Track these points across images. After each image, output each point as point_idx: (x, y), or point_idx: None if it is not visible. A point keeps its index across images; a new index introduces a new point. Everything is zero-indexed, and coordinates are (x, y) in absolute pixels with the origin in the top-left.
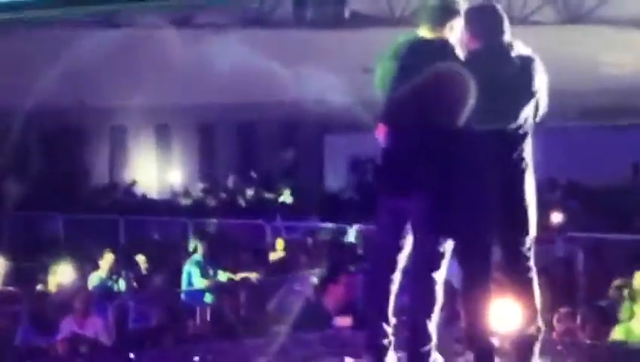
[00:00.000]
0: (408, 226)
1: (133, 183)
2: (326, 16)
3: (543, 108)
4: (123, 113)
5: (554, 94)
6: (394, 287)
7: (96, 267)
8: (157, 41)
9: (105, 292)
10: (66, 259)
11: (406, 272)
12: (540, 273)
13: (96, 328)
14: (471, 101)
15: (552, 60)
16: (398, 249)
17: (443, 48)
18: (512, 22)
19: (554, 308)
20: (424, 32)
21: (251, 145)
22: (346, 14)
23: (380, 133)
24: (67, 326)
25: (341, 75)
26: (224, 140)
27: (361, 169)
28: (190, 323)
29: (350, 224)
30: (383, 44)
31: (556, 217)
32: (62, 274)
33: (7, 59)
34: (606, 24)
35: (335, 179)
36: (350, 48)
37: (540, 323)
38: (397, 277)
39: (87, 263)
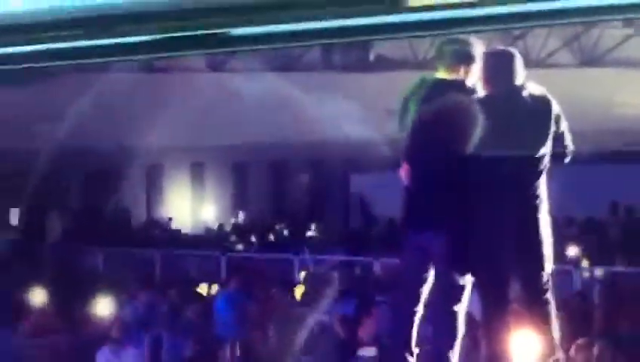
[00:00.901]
0: (431, 260)
1: (170, 220)
2: (352, 59)
3: (569, 148)
4: (160, 152)
5: (571, 135)
6: (417, 318)
7: (132, 299)
8: (192, 83)
9: (140, 323)
10: (104, 292)
11: (429, 304)
12: (558, 305)
13: (132, 359)
14: (479, 131)
15: (568, 102)
16: (422, 282)
17: (458, 88)
18: (530, 64)
19: (572, 340)
20: (441, 74)
21: (281, 183)
22: (371, 58)
23: (403, 172)
24: (103, 357)
25: (366, 116)
26: (256, 178)
27: (384, 205)
28: (221, 355)
29: (375, 258)
30: (406, 86)
31: (573, 251)
32: (100, 306)
33: (49, 103)
34: (622, 65)
35: (360, 215)
36: (375, 90)
37: (559, 354)
38: (420, 309)
39: (124, 295)
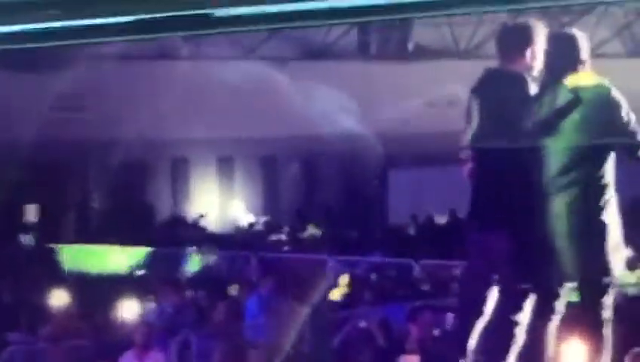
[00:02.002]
0: (495, 264)
1: (200, 217)
2: (390, 48)
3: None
4: (185, 145)
5: None
6: (478, 326)
7: (158, 301)
8: (220, 73)
9: (167, 326)
10: (128, 294)
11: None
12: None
13: None
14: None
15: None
16: (486, 287)
17: (516, 82)
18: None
19: (626, 348)
20: (500, 63)
21: (314, 178)
22: (410, 47)
23: (466, 170)
24: (128, 360)
25: (405, 108)
26: (287, 173)
27: (425, 203)
28: (252, 358)
29: (415, 259)
30: (448, 77)
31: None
32: (124, 309)
33: (69, 94)
34: None
35: (399, 214)
36: (414, 81)
37: None
38: (484, 316)
39: (149, 297)
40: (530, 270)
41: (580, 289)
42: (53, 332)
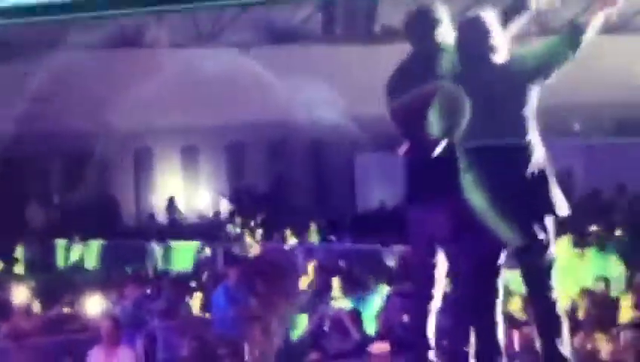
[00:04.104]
0: (437, 242)
1: (165, 208)
2: (355, 30)
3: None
4: (148, 135)
5: (590, 107)
6: (433, 308)
7: (123, 295)
8: (182, 60)
9: (133, 321)
10: (92, 288)
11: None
12: None
13: (125, 358)
14: (461, 114)
15: (587, 73)
16: (432, 267)
17: (427, 62)
18: (546, 33)
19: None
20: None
21: (279, 165)
22: (376, 29)
23: (401, 150)
24: (95, 356)
25: (370, 92)
26: (253, 160)
27: (394, 187)
28: (220, 353)
29: (386, 244)
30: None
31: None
32: (88, 304)
33: (30, 86)
34: None
35: (367, 199)
36: (380, 64)
37: None
38: (436, 297)
39: (114, 291)
40: (471, 242)
41: (523, 266)
42: (14, 330)
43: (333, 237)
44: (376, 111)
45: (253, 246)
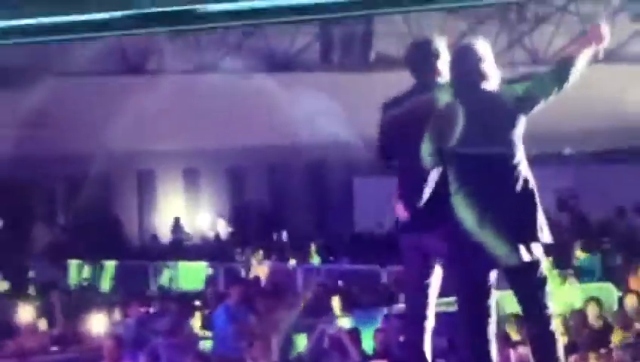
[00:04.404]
0: (431, 261)
1: (167, 229)
2: (352, 58)
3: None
4: (151, 158)
5: (580, 133)
6: (429, 327)
7: (126, 314)
8: (184, 85)
9: (136, 339)
10: (96, 308)
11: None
12: None
13: None
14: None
15: (578, 100)
16: (426, 286)
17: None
18: (537, 62)
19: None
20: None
21: (279, 188)
22: (372, 57)
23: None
24: None
25: (368, 117)
26: (253, 183)
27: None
28: None
29: (382, 265)
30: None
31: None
32: (93, 322)
33: (33, 110)
34: (630, 62)
35: (365, 222)
36: (376, 90)
37: None
38: (430, 316)
39: (117, 310)
40: (461, 262)
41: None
42: (19, 349)
43: (332, 258)
44: (373, 135)
45: (253, 266)
